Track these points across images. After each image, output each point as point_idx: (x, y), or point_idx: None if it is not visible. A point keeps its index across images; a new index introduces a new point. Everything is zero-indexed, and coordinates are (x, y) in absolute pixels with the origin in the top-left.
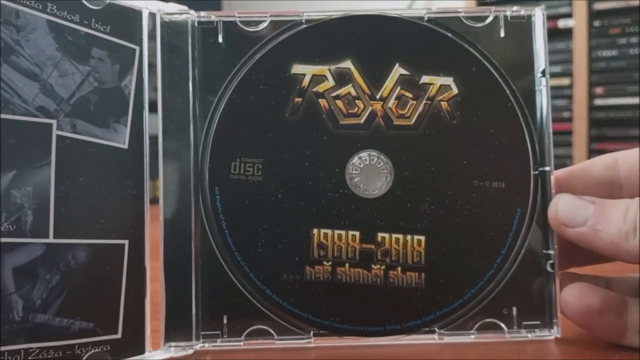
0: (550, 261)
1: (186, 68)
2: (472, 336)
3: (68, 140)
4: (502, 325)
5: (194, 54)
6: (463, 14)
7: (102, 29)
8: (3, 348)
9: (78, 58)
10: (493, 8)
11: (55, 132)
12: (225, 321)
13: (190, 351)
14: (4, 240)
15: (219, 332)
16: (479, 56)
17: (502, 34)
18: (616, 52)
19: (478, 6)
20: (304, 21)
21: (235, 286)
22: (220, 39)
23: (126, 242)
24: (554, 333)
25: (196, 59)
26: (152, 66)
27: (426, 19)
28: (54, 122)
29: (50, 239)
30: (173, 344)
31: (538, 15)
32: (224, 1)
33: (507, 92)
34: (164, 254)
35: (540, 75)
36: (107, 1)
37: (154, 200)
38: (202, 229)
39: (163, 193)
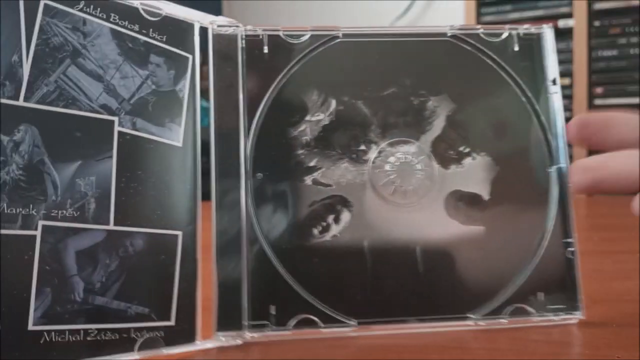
0: (571, 249)
1: (236, 75)
2: (505, 321)
3: (128, 136)
4: (530, 309)
5: (242, 63)
6: (482, 31)
7: (158, 38)
8: (65, 327)
9: (138, 63)
10: (507, 26)
11: (116, 128)
12: (273, 312)
13: (240, 341)
14: (69, 225)
15: (266, 322)
16: (495, 67)
17: (516, 48)
18: (616, 52)
19: (478, 8)
20: (340, 35)
21: (283, 278)
22: (265, 50)
23: (180, 232)
24: (578, 315)
25: (244, 67)
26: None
27: (449, 34)
28: (115, 119)
29: (111, 226)
30: (223, 333)
31: (547, 33)
32: (224, 1)
33: (522, 98)
34: (216, 246)
35: (551, 83)
36: (164, 14)
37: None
38: (250, 223)
39: (215, 188)
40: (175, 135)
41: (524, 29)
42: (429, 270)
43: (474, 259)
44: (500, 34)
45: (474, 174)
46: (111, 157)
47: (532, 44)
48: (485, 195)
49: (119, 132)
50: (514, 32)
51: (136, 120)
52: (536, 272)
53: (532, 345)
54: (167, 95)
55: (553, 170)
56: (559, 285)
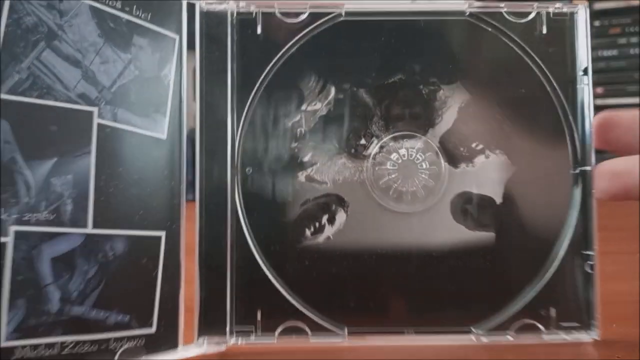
0: (590, 262)
1: (225, 58)
2: (510, 337)
3: (108, 129)
4: (540, 326)
5: (232, 45)
6: (505, 10)
7: (142, 16)
8: (39, 340)
9: (120, 45)
10: (535, 4)
11: (96, 120)
12: (259, 317)
13: (224, 347)
14: (43, 229)
15: (252, 328)
16: (519, 52)
17: (544, 31)
18: (616, 52)
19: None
20: (343, 14)
21: (270, 282)
22: (259, 30)
23: (163, 233)
24: (592, 335)
25: (234, 50)
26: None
27: (467, 13)
28: (95, 109)
29: (89, 229)
30: (206, 339)
31: (581, 13)
32: None
33: (548, 88)
34: (199, 247)
35: (582, 73)
36: None
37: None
38: (237, 222)
39: (199, 187)
40: (160, 127)
41: (555, 7)
42: (430, 279)
43: (481, 268)
44: (527, 14)
45: (486, 174)
46: (90, 152)
47: (563, 26)
48: (498, 199)
49: (99, 125)
50: (542, 12)
51: (117, 110)
52: (549, 286)
53: None
54: (152, 82)
55: (576, 173)
56: (574, 301)
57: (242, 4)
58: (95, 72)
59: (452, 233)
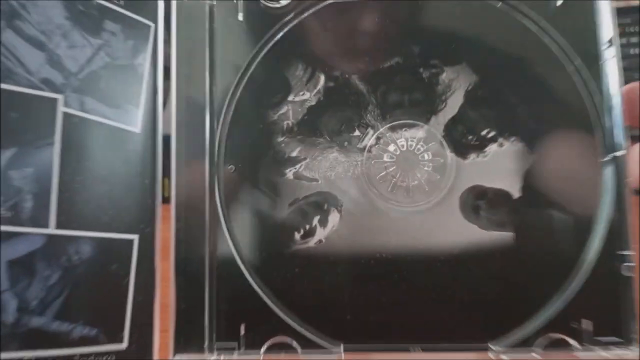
0: (628, 264)
1: (203, 47)
2: (536, 355)
3: (75, 119)
4: (572, 341)
5: (211, 33)
6: None
7: (116, 1)
8: None
9: (89, 30)
10: None
11: (61, 108)
12: (242, 332)
13: None
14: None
15: (235, 344)
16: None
17: (559, 1)
18: None
19: None
20: None
21: (255, 292)
22: (240, 17)
23: (136, 237)
24: (635, 352)
25: (213, 38)
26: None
27: None
28: (60, 97)
29: (52, 230)
30: (183, 356)
31: None
32: None
33: (568, 65)
34: (176, 253)
35: (607, 45)
36: None
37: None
38: (218, 227)
39: (175, 186)
40: (133, 119)
41: None
42: (438, 287)
43: (498, 274)
44: None
45: (500, 164)
46: (53, 143)
47: None
48: (515, 193)
49: (64, 114)
50: None
51: (85, 99)
52: (580, 293)
53: None
54: (124, 70)
55: (607, 160)
56: (611, 311)
57: None
58: (61, 57)
59: (463, 234)
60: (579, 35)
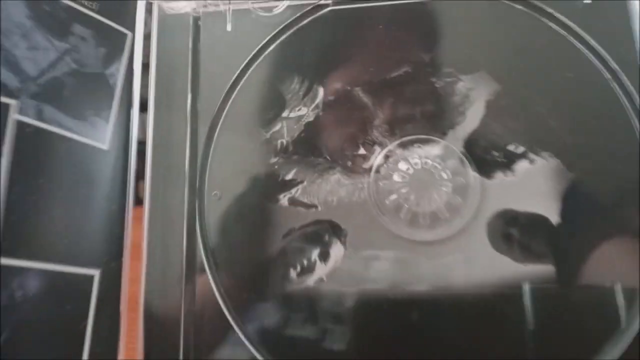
0: None
1: (186, 59)
2: None
3: (30, 129)
4: None
5: (195, 43)
6: None
7: (88, 4)
8: None
9: (54, 32)
10: None
11: (14, 115)
12: None
13: None
14: None
15: None
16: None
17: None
18: None
19: None
20: (330, 2)
21: (243, 344)
22: (229, 28)
23: (97, 272)
24: None
25: (197, 49)
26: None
27: None
28: (13, 102)
29: None
30: None
31: None
32: None
33: (602, 69)
34: (145, 294)
35: None
36: None
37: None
38: (198, 263)
39: (148, 214)
40: (100, 134)
41: None
42: (463, 334)
43: (538, 317)
44: None
45: (533, 185)
46: (1, 155)
47: None
48: (554, 218)
49: (18, 122)
50: None
51: (44, 107)
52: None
53: None
54: (92, 80)
55: None
56: None
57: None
58: (18, 58)
59: (493, 267)
60: (610, 34)
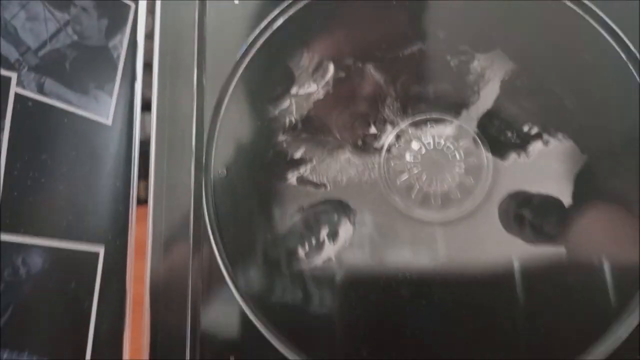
0: None
1: (192, 31)
2: None
3: (31, 103)
4: None
5: (201, 15)
6: None
7: None
8: None
9: (55, 2)
10: None
11: (14, 88)
12: None
13: None
14: None
15: None
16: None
17: None
18: None
19: None
20: None
21: (249, 320)
22: (236, 1)
23: (101, 249)
24: None
25: (205, 23)
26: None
27: None
28: (13, 75)
29: None
30: None
31: None
32: None
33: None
34: (152, 270)
35: None
36: None
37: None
38: (206, 243)
39: (154, 191)
40: (103, 109)
41: None
42: (475, 314)
43: (549, 298)
44: None
45: (547, 166)
46: (1, 129)
47: None
48: (567, 199)
49: (17, 95)
50: None
51: (45, 80)
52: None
53: None
54: (95, 52)
55: None
56: None
57: None
58: (17, 29)
59: (504, 249)
60: (629, 15)
